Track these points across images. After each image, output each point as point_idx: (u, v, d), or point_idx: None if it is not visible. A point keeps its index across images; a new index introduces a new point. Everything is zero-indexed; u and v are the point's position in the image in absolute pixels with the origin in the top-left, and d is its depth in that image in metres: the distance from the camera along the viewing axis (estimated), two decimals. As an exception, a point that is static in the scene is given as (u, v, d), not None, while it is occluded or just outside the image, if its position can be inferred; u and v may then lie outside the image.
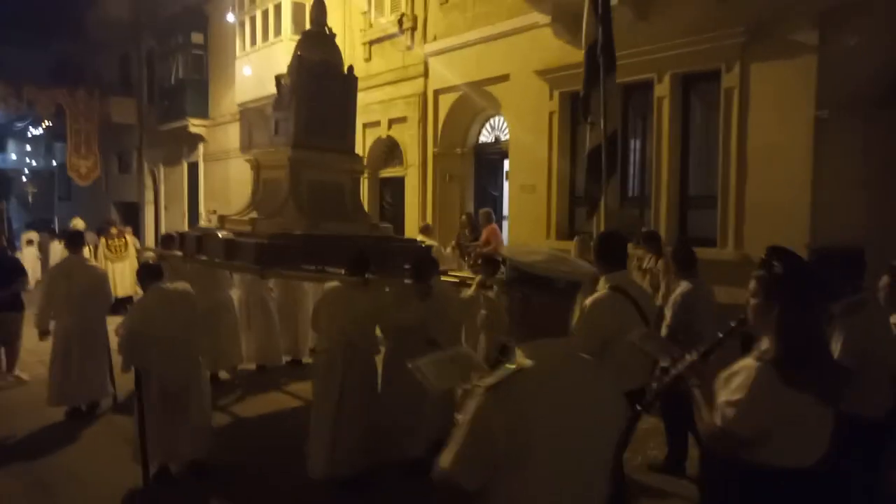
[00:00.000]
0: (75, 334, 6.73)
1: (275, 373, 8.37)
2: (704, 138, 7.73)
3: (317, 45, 6.73)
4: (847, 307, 3.35)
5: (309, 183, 6.44)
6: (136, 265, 12.04)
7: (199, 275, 6.99)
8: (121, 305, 9.85)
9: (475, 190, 11.39)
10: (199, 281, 6.64)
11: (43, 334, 6.83)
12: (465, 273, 7.27)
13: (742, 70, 7.04)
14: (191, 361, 5.14)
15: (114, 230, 13.00)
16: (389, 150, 12.44)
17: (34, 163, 30.01)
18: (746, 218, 7.04)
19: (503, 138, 10.69)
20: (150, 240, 19.55)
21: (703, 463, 2.86)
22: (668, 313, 5.27)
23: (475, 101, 10.59)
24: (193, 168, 18.79)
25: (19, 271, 8.23)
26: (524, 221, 9.43)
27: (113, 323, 7.09)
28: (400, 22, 11.52)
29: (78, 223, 12.64)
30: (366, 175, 12.35)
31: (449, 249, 9.69)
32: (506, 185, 11.06)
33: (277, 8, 14.09)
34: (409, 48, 11.40)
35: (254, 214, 6.51)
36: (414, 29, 11.32)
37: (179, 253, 7.14)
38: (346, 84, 6.85)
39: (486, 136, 11.27)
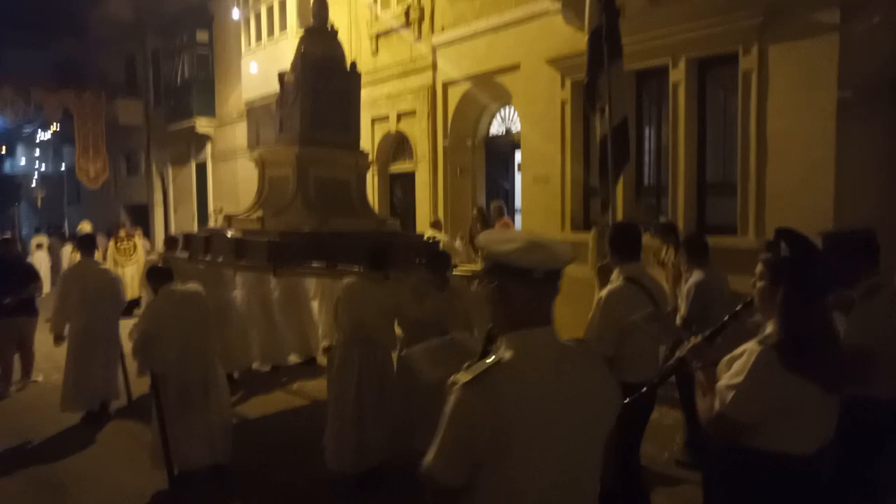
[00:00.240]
0: (89, 338, 6.73)
1: (283, 372, 8.37)
2: (722, 124, 7.54)
3: (319, 41, 6.72)
4: (865, 291, 3.27)
5: (316, 179, 6.43)
6: (141, 267, 12.12)
7: (205, 276, 6.93)
8: (130, 308, 9.83)
9: (487, 183, 11.24)
10: (205, 282, 6.47)
11: (58, 339, 6.82)
12: (477, 266, 7.18)
13: (760, 52, 6.84)
14: (207, 362, 5.07)
15: (123, 232, 13.08)
16: (399, 145, 12.31)
17: (43, 167, 30.07)
18: (767, 205, 6.86)
19: (514, 130, 10.53)
20: (159, 241, 19.51)
21: (706, 451, 2.79)
22: (681, 304, 5.26)
23: (485, 92, 10.43)
24: (202, 168, 18.74)
25: (33, 276, 8.25)
26: (537, 213, 9.28)
27: (125, 326, 7.09)
28: (407, 14, 11.37)
29: (86, 226, 12.68)
30: (375, 170, 12.26)
31: (458, 242, 9.57)
32: (517, 177, 10.92)
33: (283, 3, 13.97)
34: (416, 40, 11.25)
35: (261, 213, 6.49)
36: (421, 20, 11.17)
37: (184, 255, 7.12)
38: (350, 79, 6.85)
39: (496, 128, 11.12)
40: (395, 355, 5.35)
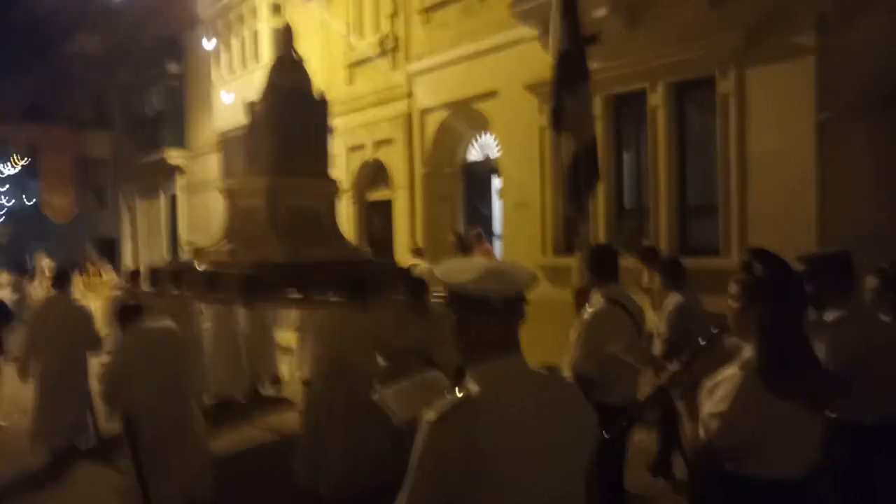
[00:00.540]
0: (61, 373, 6.53)
1: (245, 405, 8.27)
2: (702, 146, 7.56)
3: (287, 71, 6.76)
4: (837, 314, 3.26)
5: (287, 209, 6.40)
6: (108, 302, 11.94)
7: (171, 309, 6.70)
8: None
9: (465, 209, 11.14)
10: (172, 316, 6.46)
11: (25, 375, 6.60)
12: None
13: (738, 75, 6.89)
14: (183, 402, 4.81)
15: (91, 266, 12.85)
16: (376, 173, 12.18)
17: (8, 202, 29.32)
18: (750, 226, 6.85)
19: (492, 156, 10.49)
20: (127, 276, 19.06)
21: (690, 475, 2.84)
22: (663, 327, 5.28)
23: (462, 119, 10.40)
24: (172, 200, 18.42)
25: (6, 315, 7.94)
26: (518, 239, 9.18)
27: (92, 363, 6.82)
28: (382, 43, 11.34)
29: (42, 259, 12.38)
30: (353, 199, 12.11)
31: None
32: (495, 203, 10.86)
33: (255, 34, 13.90)
34: (392, 69, 11.21)
35: (231, 245, 6.40)
36: (396, 49, 11.15)
37: (150, 289, 7.01)
38: (318, 108, 6.87)
39: (474, 155, 11.07)
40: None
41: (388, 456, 4.99)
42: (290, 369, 9.27)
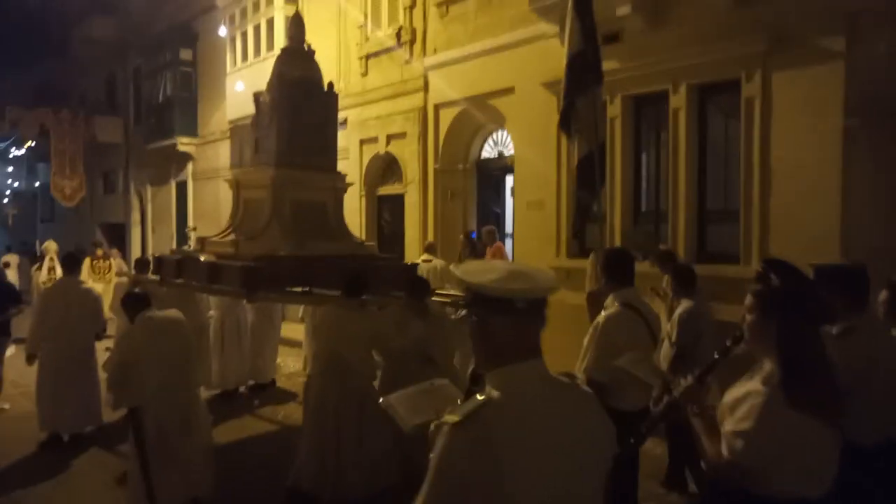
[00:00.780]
0: (66, 358, 6.48)
1: (255, 395, 8.34)
2: (724, 150, 7.41)
3: (296, 61, 6.66)
4: (843, 329, 3.15)
5: (292, 202, 6.34)
6: (116, 287, 12.04)
7: (178, 299, 6.74)
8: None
9: (478, 207, 11.02)
10: (178, 306, 6.43)
11: (31, 359, 6.57)
12: (456, 291, 7.09)
13: (764, 79, 6.73)
14: (189, 394, 4.72)
15: (99, 252, 12.90)
16: (388, 167, 12.07)
17: (16, 184, 29.37)
18: (771, 233, 6.70)
19: (507, 153, 10.36)
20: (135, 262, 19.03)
21: (707, 495, 2.69)
22: (672, 332, 5.21)
23: (477, 115, 10.26)
24: (182, 187, 18.36)
25: (15, 296, 7.99)
26: (531, 239, 9.06)
27: (100, 349, 6.76)
28: (398, 35, 11.21)
29: (51, 246, 12.40)
30: (363, 193, 12.00)
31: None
32: (508, 201, 10.74)
33: (270, 22, 13.79)
34: (407, 62, 11.08)
35: (235, 236, 6.38)
36: (413, 42, 11.01)
37: (155, 277, 6.97)
38: (327, 101, 6.77)
39: (488, 152, 10.94)
40: (376, 384, 5.21)
41: (387, 458, 4.96)
42: (296, 362, 9.26)
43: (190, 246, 10.39)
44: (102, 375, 7.03)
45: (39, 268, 12.21)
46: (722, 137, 7.46)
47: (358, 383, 4.97)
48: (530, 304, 1.68)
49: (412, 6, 10.98)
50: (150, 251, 18.41)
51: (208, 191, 16.86)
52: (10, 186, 29.59)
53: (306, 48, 6.83)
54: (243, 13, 14.64)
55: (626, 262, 4.12)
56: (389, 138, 11.52)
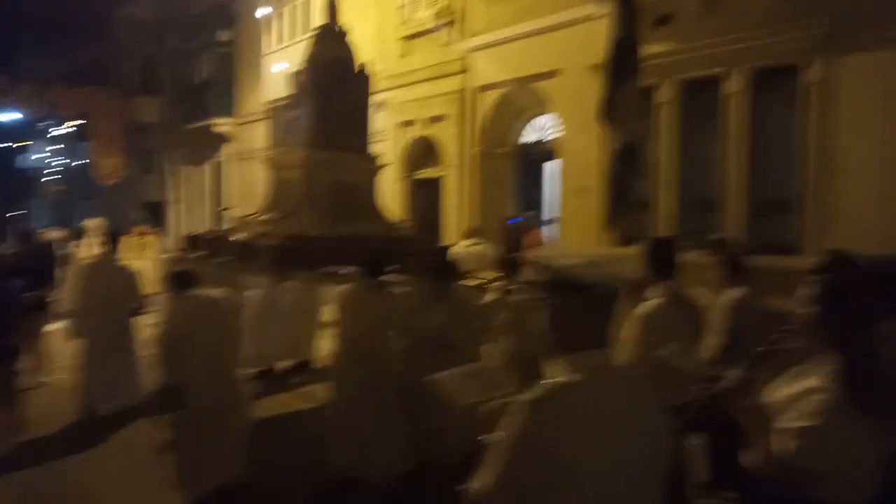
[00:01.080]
0: (102, 334, 6.49)
1: (285, 375, 8.04)
2: (780, 137, 7.14)
3: (329, 43, 6.74)
4: (889, 327, 2.93)
5: (324, 183, 6.41)
6: (155, 265, 12.20)
7: (215, 277, 6.75)
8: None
9: (517, 192, 10.84)
10: (216, 284, 6.46)
11: (72, 334, 6.61)
12: (487, 276, 6.98)
13: (825, 64, 6.45)
14: (231, 374, 4.66)
15: (136, 229, 13.01)
16: (426, 150, 11.92)
17: (57, 162, 29.89)
18: (830, 224, 6.45)
19: (547, 138, 10.15)
20: (172, 240, 19.25)
21: (748, 498, 2.53)
22: (717, 322, 4.94)
23: (520, 98, 10.06)
24: (217, 168, 18.46)
25: (48, 271, 8.04)
26: (576, 225, 8.86)
27: (141, 326, 6.82)
28: (438, 16, 11.02)
29: (92, 223, 12.57)
30: (401, 176, 11.89)
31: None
32: (546, 187, 10.55)
33: (307, 3, 13.69)
34: (448, 43, 10.90)
35: (269, 215, 6.50)
36: (453, 23, 10.82)
37: (199, 254, 7.05)
38: (359, 82, 6.83)
39: (529, 136, 10.74)
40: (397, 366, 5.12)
41: (405, 444, 4.92)
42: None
43: (225, 225, 10.45)
44: (143, 352, 7.13)
45: (80, 245, 12.38)
46: (778, 124, 7.18)
47: (377, 365, 4.90)
48: (609, 290, 1.70)
49: (453, -13, 10.78)
50: (185, 229, 18.60)
51: (243, 171, 16.93)
52: (52, 165, 30.11)
53: (339, 29, 6.88)
54: (282, -6, 14.59)
55: (668, 252, 3.99)
56: (428, 121, 11.38)
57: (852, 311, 2.17)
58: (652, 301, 3.77)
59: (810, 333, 2.24)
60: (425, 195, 12.06)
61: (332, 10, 6.89)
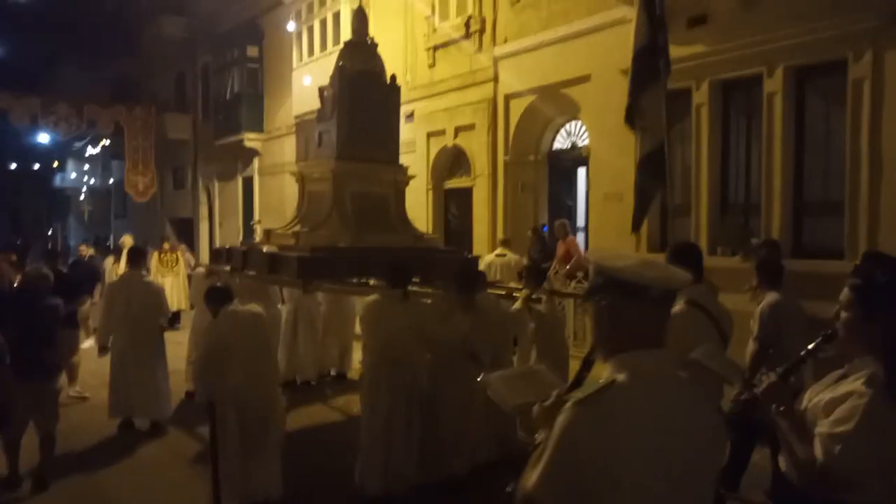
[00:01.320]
0: (130, 349, 6.63)
1: (319, 386, 8.35)
2: (824, 137, 6.87)
3: (358, 55, 6.72)
4: None
5: (352, 195, 6.44)
6: (185, 280, 12.35)
7: (250, 290, 6.90)
8: (172, 321, 9.84)
9: (549, 200, 10.66)
10: (250, 296, 6.55)
11: (103, 350, 6.77)
12: (513, 285, 6.90)
13: (875, 58, 6.18)
14: (269, 391, 4.59)
15: (166, 245, 13.23)
16: (456, 160, 11.81)
17: (92, 181, 30.49)
18: (881, 228, 6.16)
19: (580, 144, 9.97)
20: (204, 256, 19.41)
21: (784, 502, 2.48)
22: (754, 327, 4.97)
23: (550, 105, 9.91)
24: (248, 182, 18.60)
25: (83, 287, 8.23)
26: (608, 232, 8.65)
27: (170, 341, 6.86)
28: (467, 25, 10.93)
29: (128, 240, 12.81)
30: (430, 186, 11.79)
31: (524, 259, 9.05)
32: (580, 194, 10.37)
33: (336, 16, 13.72)
34: (476, 52, 10.79)
35: (298, 227, 6.54)
36: (482, 32, 10.71)
37: (226, 268, 7.18)
38: (389, 94, 6.83)
39: (560, 143, 10.57)
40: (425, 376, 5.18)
41: (436, 452, 4.96)
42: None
43: (256, 239, 10.51)
44: (173, 367, 7.13)
45: (117, 261, 12.52)
46: (822, 124, 6.91)
47: (406, 376, 4.92)
48: (663, 294, 1.68)
49: (482, -5, 10.69)
50: (217, 244, 18.74)
51: (274, 185, 17.01)
52: (86, 183, 30.72)
53: (369, 41, 6.86)
54: (310, 8, 14.65)
55: (693, 257, 3.81)
56: (457, 130, 11.27)
57: (891, 314, 2.14)
58: (677, 307, 3.60)
59: (849, 338, 2.23)
60: (455, 205, 11.94)
61: (362, 22, 6.86)
